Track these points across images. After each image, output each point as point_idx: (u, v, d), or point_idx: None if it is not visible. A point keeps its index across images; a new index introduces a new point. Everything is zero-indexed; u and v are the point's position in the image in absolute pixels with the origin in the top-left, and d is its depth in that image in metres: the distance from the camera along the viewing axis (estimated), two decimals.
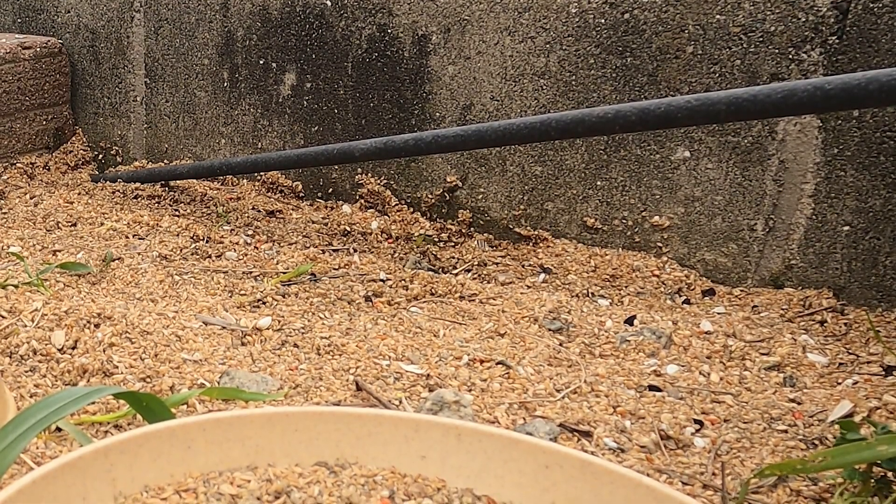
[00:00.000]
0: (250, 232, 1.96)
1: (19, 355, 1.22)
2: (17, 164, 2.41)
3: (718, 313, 1.56)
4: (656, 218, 1.73)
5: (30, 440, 0.83)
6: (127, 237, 1.86)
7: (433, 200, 2.00)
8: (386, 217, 2.05)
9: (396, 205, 2.06)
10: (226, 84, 2.28)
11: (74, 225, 1.95)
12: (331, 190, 2.17)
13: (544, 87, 1.82)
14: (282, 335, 1.36)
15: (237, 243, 1.85)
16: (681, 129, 1.67)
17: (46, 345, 1.24)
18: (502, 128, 1.54)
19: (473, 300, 1.59)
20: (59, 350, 1.24)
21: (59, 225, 1.94)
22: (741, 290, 1.64)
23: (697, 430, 1.14)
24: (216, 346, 1.30)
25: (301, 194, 2.21)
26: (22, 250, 1.73)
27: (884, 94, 1.14)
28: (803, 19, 1.54)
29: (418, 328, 1.44)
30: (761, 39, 1.58)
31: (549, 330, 1.45)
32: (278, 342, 1.34)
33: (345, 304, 1.55)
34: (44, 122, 2.50)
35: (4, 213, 2.03)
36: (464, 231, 1.96)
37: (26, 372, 1.19)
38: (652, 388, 1.25)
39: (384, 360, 1.29)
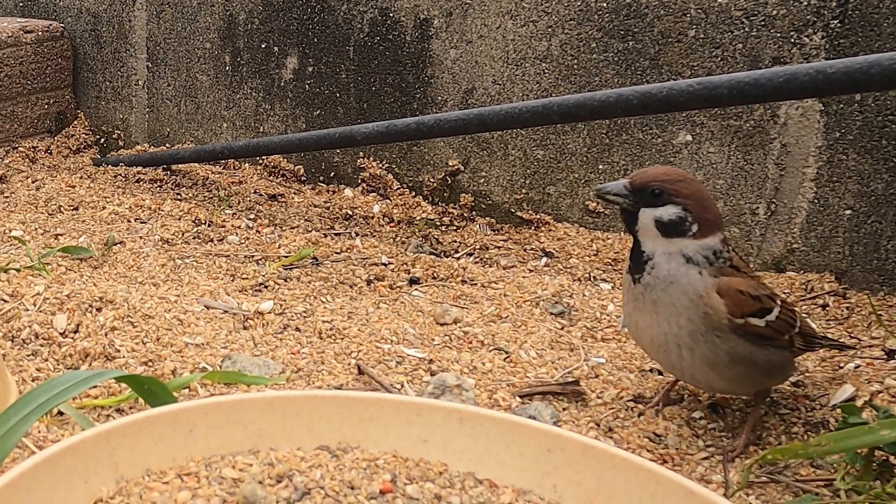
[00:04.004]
0: (252, 216, 1.96)
1: (21, 339, 1.23)
2: (19, 148, 2.40)
3: None
4: None
5: (31, 424, 0.83)
6: (129, 221, 1.86)
7: (435, 184, 2.00)
8: (388, 201, 2.04)
9: (398, 189, 2.06)
10: (227, 68, 2.28)
11: (76, 209, 1.95)
12: (332, 174, 2.17)
13: (546, 71, 1.82)
14: (284, 319, 1.36)
15: (239, 227, 1.85)
16: (683, 112, 1.67)
17: (48, 329, 1.24)
18: (504, 112, 1.54)
19: (475, 284, 1.59)
20: (61, 334, 1.24)
21: (61, 209, 1.95)
22: None
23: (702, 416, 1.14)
24: (218, 330, 1.31)
25: (303, 178, 2.21)
26: (24, 234, 1.73)
27: (886, 78, 1.14)
28: (805, 3, 1.54)
29: (420, 312, 1.44)
30: (763, 23, 1.58)
31: (551, 314, 1.46)
32: (280, 326, 1.34)
33: (347, 288, 1.55)
34: (46, 106, 2.50)
35: (6, 197, 2.03)
36: (465, 215, 1.96)
37: (28, 356, 1.20)
38: (654, 371, 1.25)
39: (386, 344, 1.29)
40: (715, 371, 1.05)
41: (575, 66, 1.79)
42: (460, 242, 1.85)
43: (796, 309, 1.10)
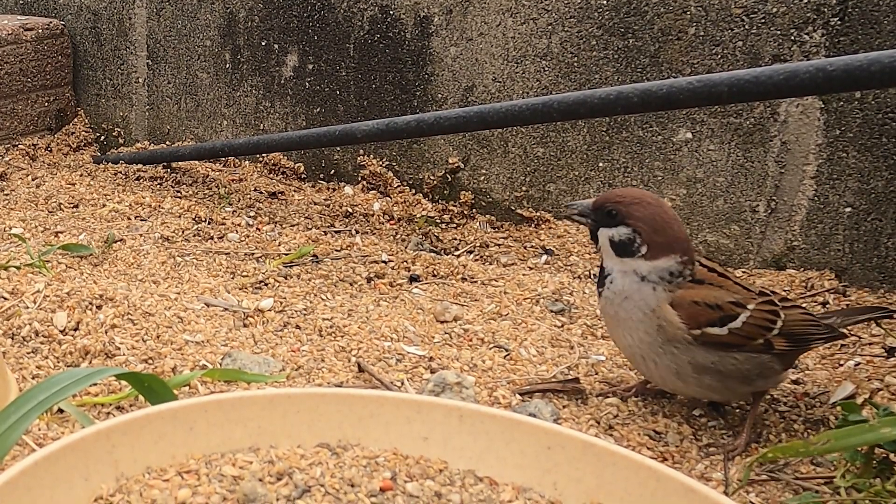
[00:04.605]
0: (252, 213, 1.96)
1: (21, 337, 1.23)
2: (19, 146, 2.40)
3: None
4: None
5: (32, 421, 0.83)
6: (129, 219, 1.86)
7: (435, 182, 2.00)
8: (388, 198, 2.04)
9: (398, 186, 2.06)
10: (228, 65, 2.28)
11: (76, 206, 1.95)
12: (333, 171, 2.16)
13: (546, 69, 1.82)
14: (284, 317, 1.36)
15: (239, 225, 1.85)
16: (683, 110, 1.67)
17: (48, 326, 1.24)
18: (504, 109, 1.54)
19: (475, 282, 1.59)
20: (61, 331, 1.24)
21: (61, 206, 1.94)
22: (743, 272, 1.64)
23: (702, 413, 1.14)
24: (218, 328, 1.31)
25: (303, 176, 2.21)
26: (24, 232, 1.73)
27: (886, 75, 1.14)
28: (805, 0, 1.54)
29: (420, 309, 1.44)
30: (763, 21, 1.58)
31: (551, 311, 1.46)
32: (280, 324, 1.34)
33: (347, 286, 1.55)
34: (46, 104, 2.50)
35: (6, 195, 2.03)
36: (466, 212, 1.95)
37: (28, 353, 1.20)
38: None
39: (386, 342, 1.29)
40: (682, 381, 1.07)
41: (575, 64, 1.79)
42: (460, 240, 1.85)
43: (779, 310, 1.08)
